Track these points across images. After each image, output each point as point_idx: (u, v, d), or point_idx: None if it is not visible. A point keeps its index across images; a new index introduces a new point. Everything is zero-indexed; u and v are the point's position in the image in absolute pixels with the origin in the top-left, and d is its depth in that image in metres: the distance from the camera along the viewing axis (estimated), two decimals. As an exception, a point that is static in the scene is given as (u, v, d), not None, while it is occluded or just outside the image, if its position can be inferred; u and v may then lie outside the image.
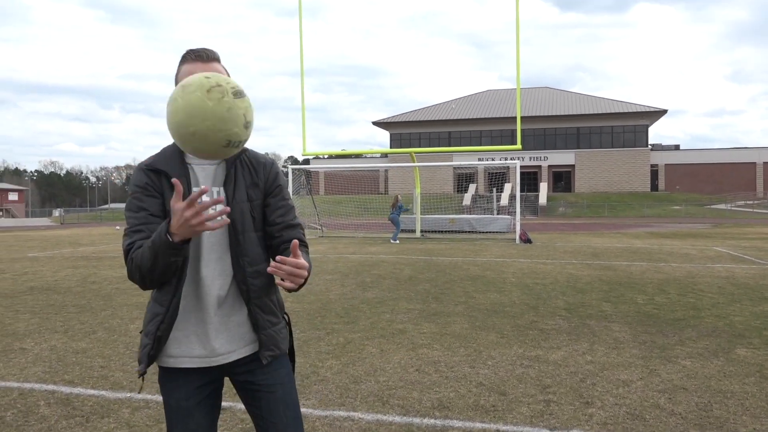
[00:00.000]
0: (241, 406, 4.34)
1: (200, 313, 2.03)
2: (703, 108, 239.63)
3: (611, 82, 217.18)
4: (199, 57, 2.01)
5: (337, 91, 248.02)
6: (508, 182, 57.30)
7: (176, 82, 2.01)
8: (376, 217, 36.02)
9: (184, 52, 2.05)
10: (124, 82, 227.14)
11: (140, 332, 2.08)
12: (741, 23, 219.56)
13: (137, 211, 1.99)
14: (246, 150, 2.16)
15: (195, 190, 1.90)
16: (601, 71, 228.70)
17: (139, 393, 4.67)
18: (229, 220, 1.95)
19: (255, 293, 2.07)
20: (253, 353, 2.10)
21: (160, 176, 2.01)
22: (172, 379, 2.06)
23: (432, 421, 4.07)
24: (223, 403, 4.38)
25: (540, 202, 55.94)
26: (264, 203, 2.14)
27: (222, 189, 2.06)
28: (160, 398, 4.50)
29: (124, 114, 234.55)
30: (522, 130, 23.13)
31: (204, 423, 2.08)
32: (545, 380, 4.94)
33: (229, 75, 2.04)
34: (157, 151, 2.10)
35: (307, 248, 2.18)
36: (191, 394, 2.06)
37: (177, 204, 1.75)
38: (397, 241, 21.43)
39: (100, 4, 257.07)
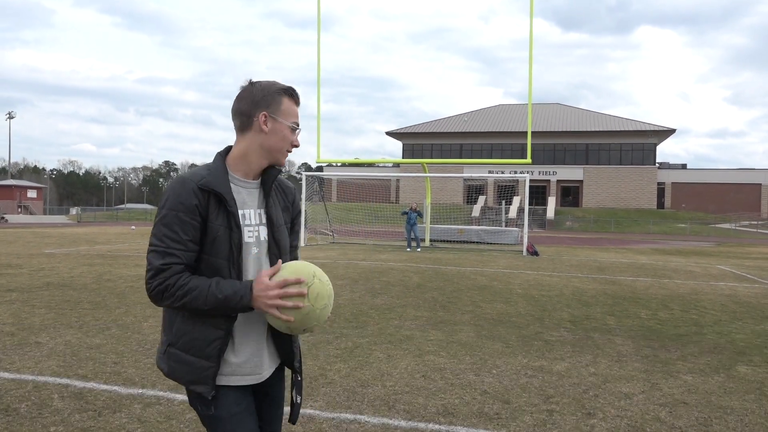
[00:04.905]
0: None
1: (255, 334, 2.11)
2: (705, 129, 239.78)
3: (615, 100, 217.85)
4: (297, 100, 2.20)
5: (349, 101, 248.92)
6: (517, 195, 57.23)
7: (269, 107, 2.10)
8: (386, 226, 36.15)
9: (289, 87, 2.17)
10: (140, 86, 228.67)
11: (171, 346, 2.07)
12: (740, 48, 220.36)
13: (176, 233, 1.97)
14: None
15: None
16: (606, 90, 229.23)
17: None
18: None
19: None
20: (277, 367, 2.24)
21: (209, 196, 2.03)
22: (223, 394, 2.07)
23: (437, 426, 4.16)
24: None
25: (548, 215, 55.87)
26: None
27: (263, 211, 2.17)
28: (171, 395, 4.62)
29: (139, 117, 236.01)
30: (532, 145, 23.18)
31: (255, 427, 2.14)
32: (548, 390, 5.03)
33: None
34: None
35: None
36: (241, 403, 2.10)
37: (269, 283, 1.94)
38: (411, 250, 21.61)
39: (117, 10, 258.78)
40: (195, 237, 1.99)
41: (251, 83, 2.13)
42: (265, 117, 2.08)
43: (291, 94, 2.15)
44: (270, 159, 2.14)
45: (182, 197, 1.99)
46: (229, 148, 2.16)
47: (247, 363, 2.10)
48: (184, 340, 2.04)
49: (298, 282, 1.94)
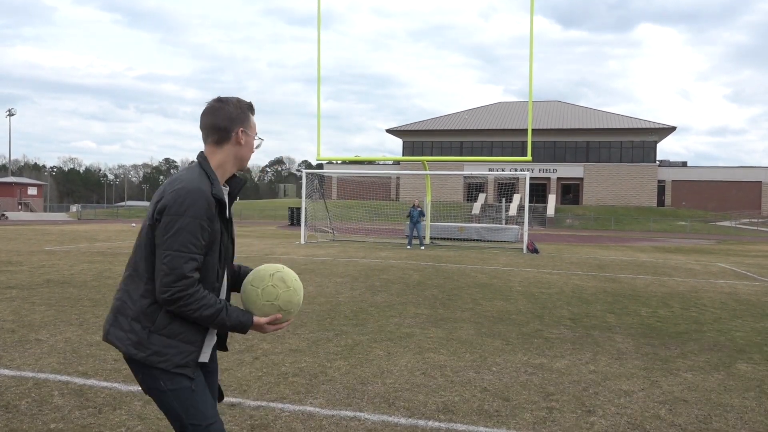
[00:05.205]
0: (251, 402, 4.47)
1: None
2: (706, 127, 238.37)
3: (616, 98, 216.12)
4: (254, 113, 2.49)
5: (349, 99, 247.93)
6: (517, 193, 57.30)
7: (243, 123, 2.38)
8: (386, 223, 36.15)
9: (251, 103, 2.46)
10: (140, 83, 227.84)
11: (155, 333, 2.22)
12: (741, 46, 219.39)
13: (198, 239, 2.19)
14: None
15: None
16: (606, 87, 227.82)
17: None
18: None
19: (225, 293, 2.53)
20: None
21: (216, 202, 2.27)
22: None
23: (436, 423, 4.16)
24: (232, 399, 4.51)
25: (548, 213, 55.90)
26: None
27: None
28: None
29: (139, 114, 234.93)
30: (532, 143, 23.15)
31: (210, 395, 2.40)
32: (548, 388, 5.03)
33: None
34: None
35: None
36: (200, 375, 2.36)
37: (269, 328, 2.36)
38: (411, 247, 21.58)
39: (117, 7, 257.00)
40: (207, 242, 2.23)
41: (221, 100, 2.35)
42: (242, 132, 2.37)
43: (253, 109, 2.48)
44: (238, 167, 2.44)
45: (204, 207, 2.19)
46: (204, 156, 2.37)
47: (208, 341, 2.38)
48: (172, 327, 2.22)
49: (288, 322, 2.43)
